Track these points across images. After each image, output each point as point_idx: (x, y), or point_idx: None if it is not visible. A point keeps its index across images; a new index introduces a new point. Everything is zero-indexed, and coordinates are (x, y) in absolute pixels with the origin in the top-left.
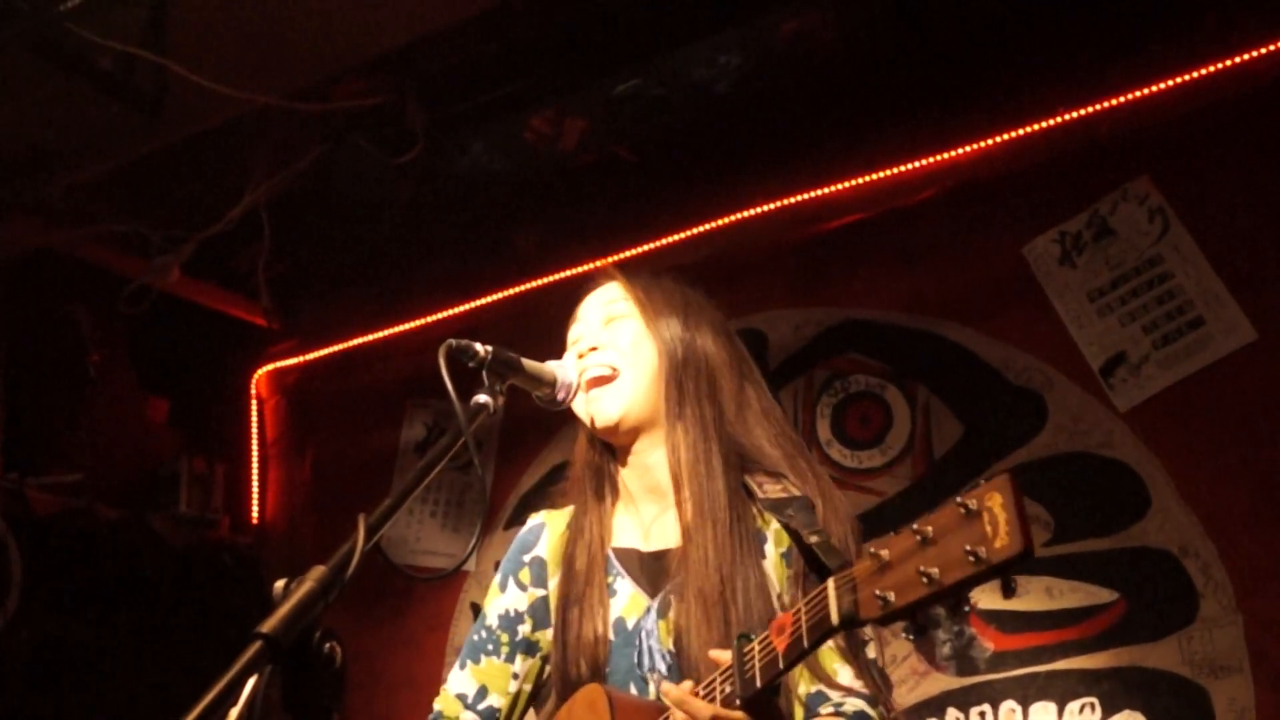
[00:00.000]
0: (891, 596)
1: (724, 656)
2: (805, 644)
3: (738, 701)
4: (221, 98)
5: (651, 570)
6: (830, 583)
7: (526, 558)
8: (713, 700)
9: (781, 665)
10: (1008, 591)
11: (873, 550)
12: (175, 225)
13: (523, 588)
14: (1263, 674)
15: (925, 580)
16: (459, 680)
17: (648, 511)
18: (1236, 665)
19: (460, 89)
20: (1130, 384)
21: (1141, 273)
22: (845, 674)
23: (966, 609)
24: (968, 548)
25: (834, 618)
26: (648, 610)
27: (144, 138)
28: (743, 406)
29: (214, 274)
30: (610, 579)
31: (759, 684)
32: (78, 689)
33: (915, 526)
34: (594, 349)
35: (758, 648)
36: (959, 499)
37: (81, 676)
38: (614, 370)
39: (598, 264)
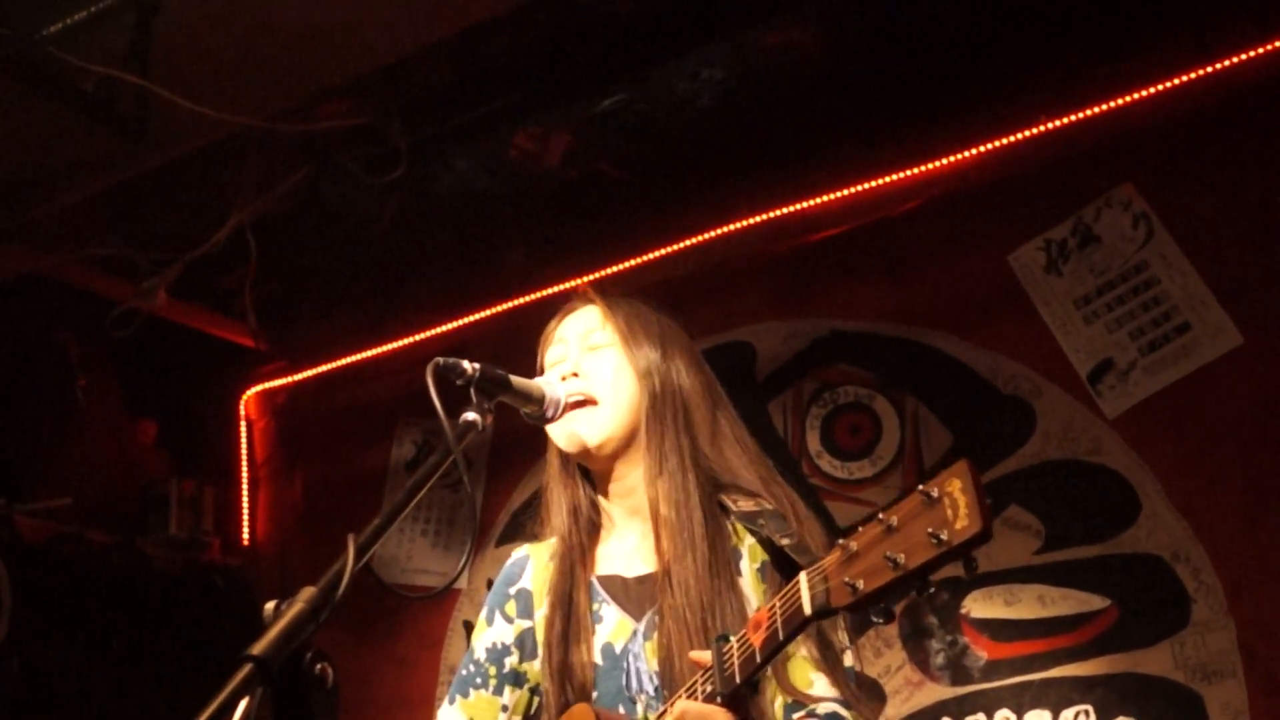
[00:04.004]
0: (860, 584)
1: (704, 657)
2: (781, 637)
3: (719, 699)
4: (205, 120)
5: (636, 594)
6: (802, 576)
7: (512, 590)
8: (694, 700)
9: (759, 660)
10: (970, 571)
11: (842, 542)
12: (161, 248)
13: (509, 620)
14: (1255, 677)
15: (892, 565)
16: (448, 716)
17: (630, 536)
18: (1229, 669)
19: (444, 107)
20: (1118, 390)
21: (1127, 279)
22: (820, 684)
23: (932, 590)
24: (930, 530)
25: (807, 608)
26: (634, 633)
27: (128, 161)
28: (716, 435)
29: (201, 296)
30: (596, 606)
31: (739, 679)
32: (69, 715)
33: (880, 516)
34: (575, 375)
35: (736, 646)
36: (920, 487)
37: (73, 702)
38: (594, 399)
39: (585, 280)
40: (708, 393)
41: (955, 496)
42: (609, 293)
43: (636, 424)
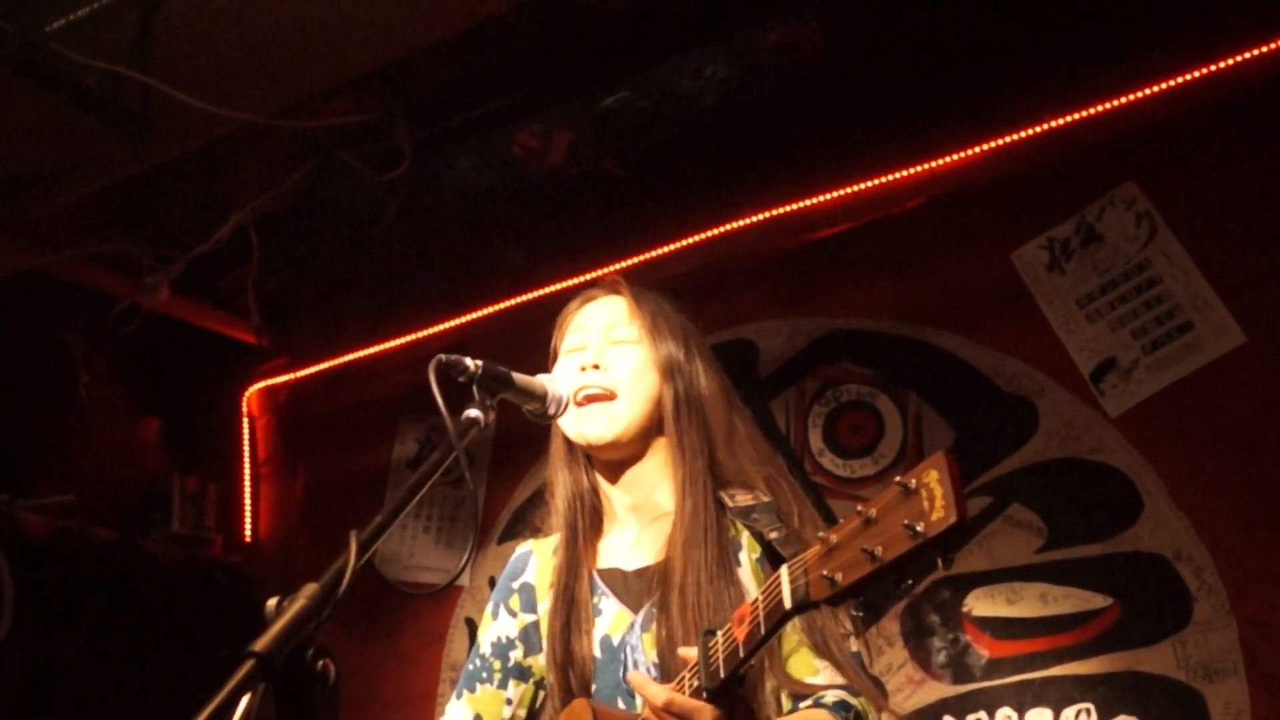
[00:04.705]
0: (839, 576)
1: (691, 654)
2: (763, 631)
3: (705, 694)
4: (208, 116)
5: (635, 587)
6: (783, 569)
7: (515, 584)
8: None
9: (742, 654)
10: (946, 563)
11: (822, 535)
12: (164, 244)
13: (513, 614)
14: (1257, 676)
15: (869, 558)
16: (456, 710)
17: (630, 529)
18: (1231, 668)
19: (447, 104)
20: (1121, 389)
21: (1130, 278)
22: (825, 672)
23: (910, 582)
24: (906, 522)
25: (787, 602)
26: (631, 625)
27: (131, 157)
28: (731, 437)
29: (203, 292)
30: (596, 599)
31: (723, 674)
32: (71, 711)
33: (860, 509)
34: (596, 366)
35: (721, 641)
36: (898, 479)
37: (75, 698)
38: (613, 393)
39: (587, 277)
40: (724, 395)
41: (932, 488)
42: (635, 285)
43: (651, 422)
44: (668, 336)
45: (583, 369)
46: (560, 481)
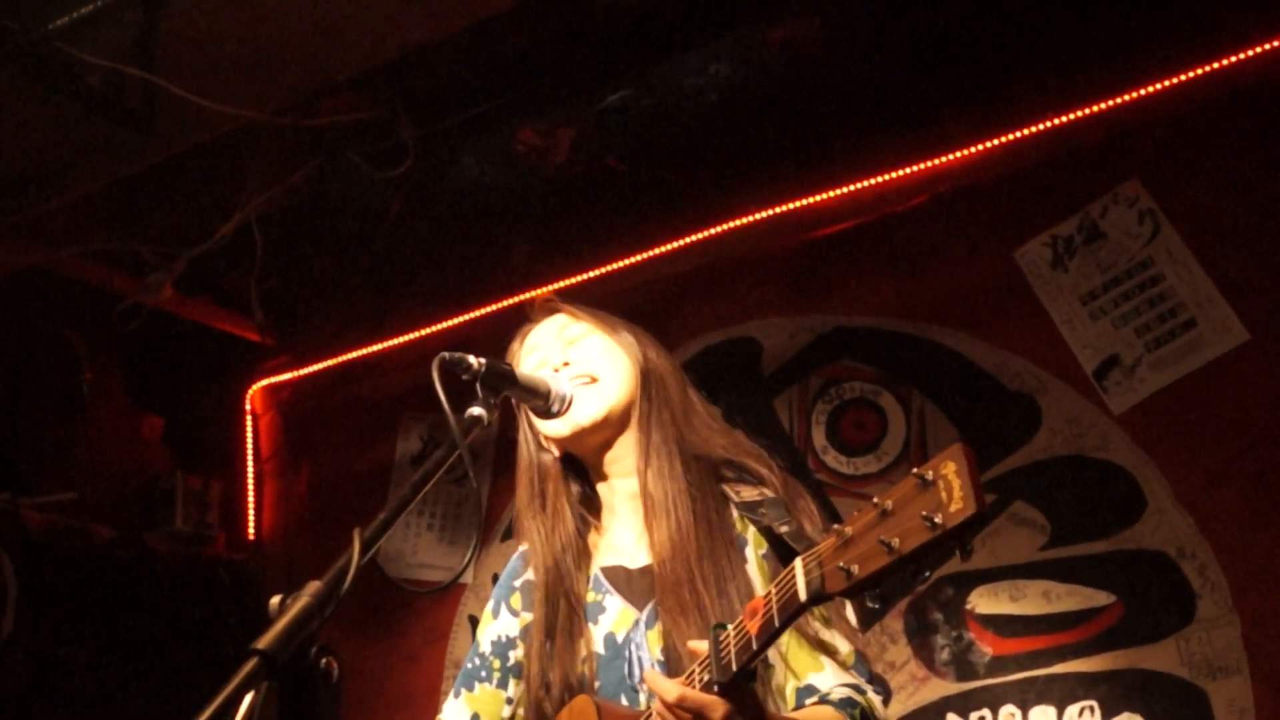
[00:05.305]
0: (855, 568)
1: (701, 647)
2: (776, 623)
3: (715, 688)
4: (211, 114)
5: (639, 585)
6: (797, 562)
7: (517, 583)
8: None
9: (755, 647)
10: (965, 555)
11: (837, 528)
12: (167, 242)
13: (514, 613)
14: (1261, 674)
15: (886, 549)
16: (453, 709)
17: (631, 525)
18: (1235, 666)
19: (451, 102)
20: (1124, 386)
21: (1133, 275)
22: (831, 667)
23: (926, 574)
24: (924, 514)
25: (802, 594)
26: (636, 623)
27: (134, 155)
28: (689, 409)
29: (207, 290)
30: (599, 597)
31: (734, 668)
32: (74, 709)
33: (875, 501)
34: (566, 364)
35: (733, 634)
36: (915, 470)
37: (78, 696)
38: (594, 377)
39: (590, 275)
40: (677, 373)
41: (949, 479)
42: (569, 299)
43: (633, 399)
44: (617, 324)
45: (555, 370)
46: (531, 526)
